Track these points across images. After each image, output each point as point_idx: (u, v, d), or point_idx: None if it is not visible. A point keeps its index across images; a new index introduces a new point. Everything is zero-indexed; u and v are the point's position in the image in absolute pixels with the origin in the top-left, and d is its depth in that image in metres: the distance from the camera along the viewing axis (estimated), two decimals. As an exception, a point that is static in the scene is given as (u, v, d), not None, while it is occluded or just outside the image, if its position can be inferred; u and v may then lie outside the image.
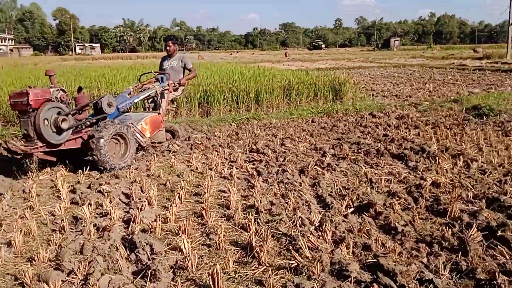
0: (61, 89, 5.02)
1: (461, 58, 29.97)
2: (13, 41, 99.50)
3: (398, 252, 2.97)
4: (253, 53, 71.65)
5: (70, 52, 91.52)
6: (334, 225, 3.40)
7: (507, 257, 2.81)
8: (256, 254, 3.01)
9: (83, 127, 5.21)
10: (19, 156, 4.88)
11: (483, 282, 2.56)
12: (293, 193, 4.23)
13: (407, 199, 4.02)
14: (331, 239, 3.19)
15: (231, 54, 67.08)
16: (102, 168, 5.09)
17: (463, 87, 12.97)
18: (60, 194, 4.42)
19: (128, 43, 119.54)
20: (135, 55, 72.48)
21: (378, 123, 7.93)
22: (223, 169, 5.26)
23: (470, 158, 5.22)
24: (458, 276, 2.66)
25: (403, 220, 3.51)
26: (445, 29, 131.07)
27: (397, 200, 3.93)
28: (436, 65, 24.37)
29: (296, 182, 4.64)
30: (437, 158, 5.26)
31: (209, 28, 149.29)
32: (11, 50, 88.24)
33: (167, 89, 6.44)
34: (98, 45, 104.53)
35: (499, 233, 3.14)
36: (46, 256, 3.09)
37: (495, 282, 2.49)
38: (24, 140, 4.84)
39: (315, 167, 5.10)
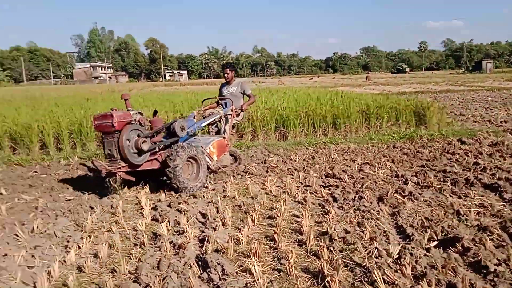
0: (139, 112, 5.34)
1: None
2: (111, 69, 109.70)
3: (489, 294, 2.67)
4: (333, 78, 71.25)
5: (161, 79, 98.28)
6: (414, 258, 3.16)
7: None
8: (327, 284, 2.89)
9: (158, 149, 5.44)
10: (103, 175, 5.09)
11: None
12: (370, 222, 4.03)
13: (501, 235, 3.61)
14: (411, 274, 2.96)
15: (311, 78, 67.23)
16: (176, 185, 5.26)
17: None
18: (143, 210, 4.66)
19: (212, 70, 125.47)
20: (219, 80, 75.79)
21: (467, 150, 7.35)
22: (297, 193, 5.19)
23: None
24: None
25: (496, 259, 3.15)
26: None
27: (489, 236, 3.56)
28: (537, 88, 22.19)
29: (374, 210, 4.42)
30: (537, 190, 4.70)
31: (289, 54, 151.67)
32: (110, 77, 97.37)
33: (231, 114, 6.61)
34: (186, 71, 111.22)
35: None
36: (126, 269, 3.26)
37: None
38: (107, 159, 5.03)
39: (395, 195, 4.84)
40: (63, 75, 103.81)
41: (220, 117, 6.53)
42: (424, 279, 2.84)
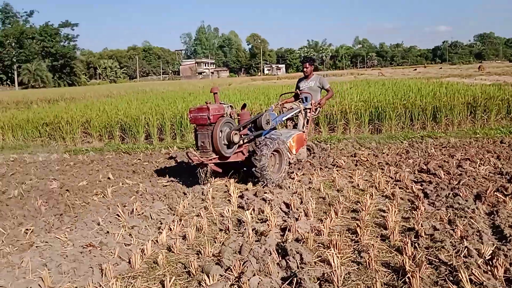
0: (230, 106, 5.56)
1: None
2: (214, 65, 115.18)
3: None
4: (440, 68, 66.35)
5: (259, 73, 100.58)
6: (509, 260, 2.90)
7: None
8: (408, 280, 2.79)
9: (243, 142, 5.56)
10: (196, 164, 5.38)
11: None
12: (463, 220, 3.77)
13: None
14: (503, 276, 2.73)
15: (415, 69, 63.29)
16: (263, 182, 5.35)
17: None
18: (231, 198, 4.91)
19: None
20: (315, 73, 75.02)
21: None
22: (385, 188, 5.02)
23: None
24: None
25: None
26: None
27: None
28: None
29: (469, 208, 4.11)
30: None
31: (393, 44, 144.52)
32: (212, 72, 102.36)
33: (310, 109, 6.59)
34: (283, 65, 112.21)
35: None
36: (210, 252, 3.48)
37: None
38: (199, 151, 5.24)
39: (496, 193, 4.43)
40: (171, 71, 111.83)
41: (300, 111, 6.57)
42: (517, 283, 2.60)
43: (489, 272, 2.78)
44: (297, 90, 7.04)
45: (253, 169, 5.26)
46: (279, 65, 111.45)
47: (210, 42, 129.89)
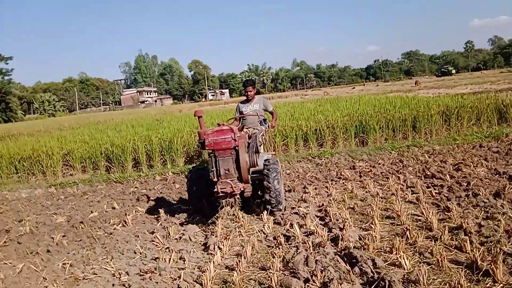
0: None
1: None
2: (156, 93, 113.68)
3: None
4: (377, 85, 69.98)
5: (203, 99, 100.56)
6: None
7: None
8: (489, 272, 2.96)
9: None
10: (221, 196, 4.66)
11: None
12: (499, 216, 4.05)
13: None
14: None
15: (354, 87, 66.42)
16: (277, 208, 4.95)
17: None
18: (261, 216, 4.89)
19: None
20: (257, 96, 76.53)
21: None
22: (406, 194, 5.26)
23: None
24: None
25: None
26: None
27: None
28: None
29: (495, 205, 4.42)
30: None
31: (329, 65, 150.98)
32: (155, 101, 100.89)
33: (266, 131, 6.49)
34: (227, 90, 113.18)
35: None
36: (277, 266, 3.46)
37: None
38: (221, 180, 4.58)
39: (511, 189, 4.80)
40: (111, 102, 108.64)
41: (263, 134, 6.08)
42: None
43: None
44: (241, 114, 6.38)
45: (267, 195, 4.84)
46: (223, 90, 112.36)
47: (150, 70, 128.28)
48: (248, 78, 7.42)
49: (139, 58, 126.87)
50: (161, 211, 5.47)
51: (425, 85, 39.70)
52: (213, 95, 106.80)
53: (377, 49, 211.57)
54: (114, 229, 4.96)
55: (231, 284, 3.30)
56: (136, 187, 7.37)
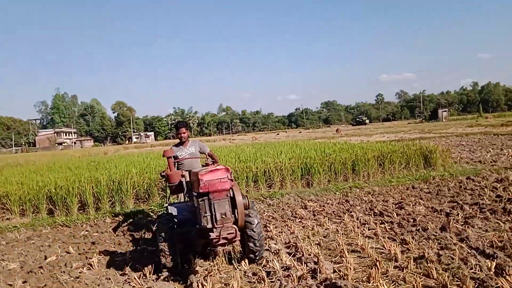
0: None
1: (523, 124, 29.56)
2: (76, 134, 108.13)
3: None
4: (299, 132, 73.38)
5: (127, 141, 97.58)
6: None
7: None
8: (459, 293, 3.37)
9: None
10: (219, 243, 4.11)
11: None
12: (452, 246, 4.58)
13: None
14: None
15: (278, 134, 68.92)
16: (258, 257, 4.65)
17: None
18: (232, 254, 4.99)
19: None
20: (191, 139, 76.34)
21: (481, 185, 8.17)
22: (363, 230, 5.70)
23: None
24: None
25: None
26: (490, 97, 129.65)
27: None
28: (500, 132, 24.24)
29: (444, 237, 4.99)
30: None
31: (253, 111, 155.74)
32: (74, 142, 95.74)
33: None
34: (152, 133, 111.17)
35: None
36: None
37: None
38: (216, 226, 3.99)
39: (455, 224, 5.44)
40: (24, 143, 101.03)
41: None
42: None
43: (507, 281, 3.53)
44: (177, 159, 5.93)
45: (251, 243, 4.50)
46: (148, 133, 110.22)
47: (70, 110, 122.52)
48: (180, 120, 6.89)
49: (57, 97, 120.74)
50: (126, 253, 5.32)
51: (345, 133, 42.54)
52: (137, 138, 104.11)
53: (298, 98, 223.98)
54: (80, 272, 4.72)
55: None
56: (87, 230, 7.03)
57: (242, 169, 9.06)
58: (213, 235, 3.93)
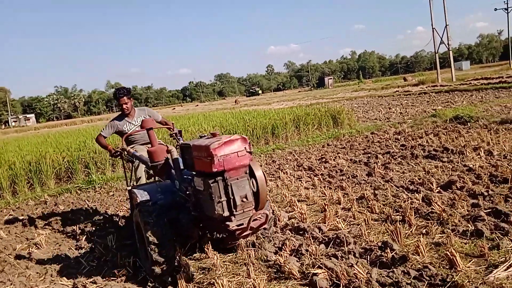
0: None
1: (399, 86, 33.36)
2: None
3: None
4: (196, 105, 73.02)
5: (3, 126, 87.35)
6: (437, 199, 4.51)
7: None
8: (404, 220, 4.02)
9: None
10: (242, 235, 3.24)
11: None
12: (383, 186, 5.31)
13: (469, 177, 5.23)
14: (443, 205, 4.30)
15: (174, 108, 67.71)
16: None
17: (437, 104, 15.08)
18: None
19: (62, 110, 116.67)
20: (99, 117, 71.52)
21: (386, 138, 9.31)
22: (301, 183, 6.23)
23: (486, 149, 6.62)
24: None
25: (481, 188, 4.70)
26: (367, 65, 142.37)
27: (467, 177, 5.14)
28: (383, 94, 27.09)
29: (373, 181, 5.72)
30: (463, 152, 6.60)
31: (144, 87, 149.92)
32: None
33: None
34: (33, 115, 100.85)
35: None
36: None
37: None
38: (237, 211, 3.02)
39: (378, 170, 6.23)
40: None
41: None
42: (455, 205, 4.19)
43: (427, 205, 4.30)
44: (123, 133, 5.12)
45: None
46: (28, 115, 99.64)
47: None
48: (120, 87, 5.11)
49: None
50: (74, 228, 5.12)
51: (244, 103, 43.56)
52: (15, 121, 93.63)
53: (190, 72, 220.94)
54: (29, 252, 4.47)
55: None
56: (10, 214, 6.49)
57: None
58: (232, 224, 3.02)
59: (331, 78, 77.28)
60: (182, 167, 3.62)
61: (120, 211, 6.01)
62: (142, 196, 3.74)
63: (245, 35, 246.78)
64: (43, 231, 5.30)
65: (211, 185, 2.97)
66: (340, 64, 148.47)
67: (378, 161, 6.98)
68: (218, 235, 3.63)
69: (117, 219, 5.48)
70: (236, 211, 3.02)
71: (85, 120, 65.78)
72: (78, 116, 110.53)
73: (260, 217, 3.15)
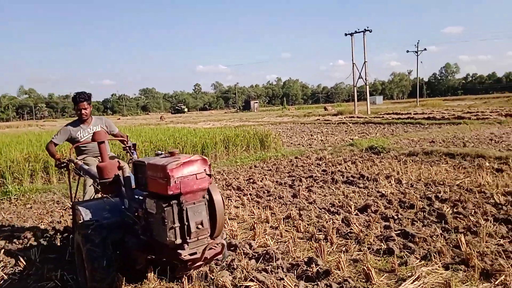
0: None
1: (320, 115, 35.31)
2: None
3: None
4: (118, 118, 70.49)
5: None
6: (355, 220, 4.99)
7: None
8: (327, 239, 4.40)
9: None
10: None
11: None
12: (307, 207, 5.71)
13: (382, 202, 5.83)
14: (360, 226, 4.77)
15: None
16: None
17: (355, 133, 16.21)
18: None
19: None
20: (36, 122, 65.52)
21: (308, 163, 9.89)
22: (230, 202, 6.43)
23: (396, 177, 7.39)
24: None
25: (392, 212, 5.28)
26: (290, 91, 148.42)
27: (380, 201, 5.72)
28: (305, 121, 28.50)
29: (298, 202, 6.12)
30: (377, 179, 7.30)
31: (62, 95, 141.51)
32: None
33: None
34: None
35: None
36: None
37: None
38: (190, 239, 2.79)
39: (302, 192, 6.66)
40: None
41: None
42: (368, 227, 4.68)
43: (347, 227, 4.76)
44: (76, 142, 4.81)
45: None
46: None
47: None
48: (80, 92, 4.65)
49: None
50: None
51: (171, 120, 43.06)
52: None
53: (113, 83, 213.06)
54: None
55: None
56: None
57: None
58: (184, 253, 2.77)
59: (256, 102, 79.40)
60: (133, 185, 3.31)
61: (41, 224, 5.74)
62: (86, 214, 3.43)
63: (174, 51, 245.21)
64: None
65: (165, 208, 2.71)
66: (266, 89, 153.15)
67: (302, 184, 7.43)
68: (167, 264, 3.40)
69: (39, 233, 5.23)
70: (189, 238, 2.77)
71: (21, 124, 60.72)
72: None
73: (215, 246, 2.86)
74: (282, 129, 22.99)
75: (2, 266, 4.13)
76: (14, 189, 7.51)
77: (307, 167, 9.39)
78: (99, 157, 3.96)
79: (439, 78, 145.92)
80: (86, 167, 4.23)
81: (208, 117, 51.17)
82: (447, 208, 5.23)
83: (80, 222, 3.39)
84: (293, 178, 8.19)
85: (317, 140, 15.69)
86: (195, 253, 2.78)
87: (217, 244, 2.87)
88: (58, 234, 5.13)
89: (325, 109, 48.24)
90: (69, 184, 4.71)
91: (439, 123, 20.50)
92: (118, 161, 3.64)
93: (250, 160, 10.46)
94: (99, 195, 4.12)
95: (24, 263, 4.10)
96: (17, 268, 4.06)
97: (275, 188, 7.32)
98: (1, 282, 3.78)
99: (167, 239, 2.73)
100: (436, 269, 3.54)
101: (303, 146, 13.87)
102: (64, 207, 6.77)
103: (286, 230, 4.86)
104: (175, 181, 2.67)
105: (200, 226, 2.79)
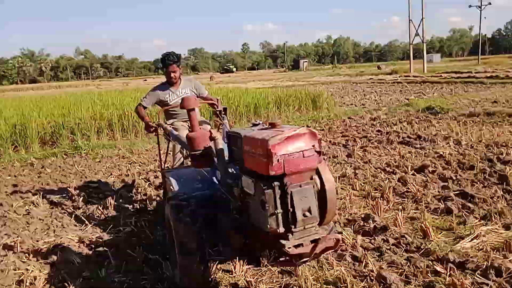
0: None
1: (373, 74, 34.21)
2: None
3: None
4: (169, 79, 71.75)
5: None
6: (411, 180, 5.00)
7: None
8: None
9: None
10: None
11: None
12: (360, 167, 5.77)
13: (440, 163, 5.75)
14: (417, 185, 4.79)
15: (145, 80, 66.73)
16: None
17: (410, 93, 15.74)
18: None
19: (28, 74, 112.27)
20: (48, 85, 69.12)
21: (362, 123, 9.81)
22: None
23: (455, 139, 7.19)
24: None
25: (450, 173, 5.22)
26: (341, 50, 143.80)
27: (438, 162, 5.66)
28: (357, 80, 27.79)
29: (352, 162, 6.17)
30: (435, 140, 7.15)
31: (115, 56, 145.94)
32: None
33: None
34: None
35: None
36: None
37: None
38: (296, 228, 2.19)
39: (357, 152, 6.69)
40: None
41: None
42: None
43: (404, 186, 4.78)
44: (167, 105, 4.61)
45: None
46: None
47: None
48: (169, 52, 4.32)
49: None
50: (68, 190, 5.34)
51: (220, 80, 43.46)
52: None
53: (163, 44, 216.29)
54: (27, 210, 4.69)
55: None
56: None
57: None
58: (288, 244, 2.23)
59: (306, 61, 77.89)
60: (227, 158, 2.81)
61: (111, 177, 6.22)
62: (176, 185, 3.17)
63: (222, 10, 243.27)
64: (36, 191, 5.47)
65: (265, 191, 2.18)
66: (316, 47, 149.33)
67: (356, 144, 7.44)
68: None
69: (111, 184, 5.71)
70: (295, 227, 2.23)
71: (53, 85, 63.95)
72: (44, 81, 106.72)
73: (329, 239, 2.28)
74: (334, 89, 22.60)
75: (82, 213, 4.59)
76: (83, 145, 8.11)
77: (361, 127, 9.32)
78: (189, 122, 3.50)
79: (504, 34, 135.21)
80: (175, 132, 3.92)
81: (256, 76, 51.06)
82: (510, 169, 5.10)
83: (170, 192, 3.25)
84: (347, 138, 8.19)
85: (370, 100, 15.36)
86: (301, 245, 2.25)
87: (332, 238, 2.28)
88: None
89: (378, 67, 46.52)
90: (159, 150, 4.56)
91: (502, 82, 19.28)
92: (210, 131, 3.18)
93: (302, 120, 10.51)
94: (189, 162, 3.89)
95: (101, 210, 4.54)
96: (95, 214, 4.50)
97: (329, 147, 7.39)
98: (82, 225, 4.21)
99: (268, 225, 2.22)
100: (496, 229, 3.54)
101: (356, 106, 13.66)
102: (130, 161, 7.25)
103: (342, 188, 4.97)
104: (278, 160, 2.12)
105: (307, 214, 2.23)
